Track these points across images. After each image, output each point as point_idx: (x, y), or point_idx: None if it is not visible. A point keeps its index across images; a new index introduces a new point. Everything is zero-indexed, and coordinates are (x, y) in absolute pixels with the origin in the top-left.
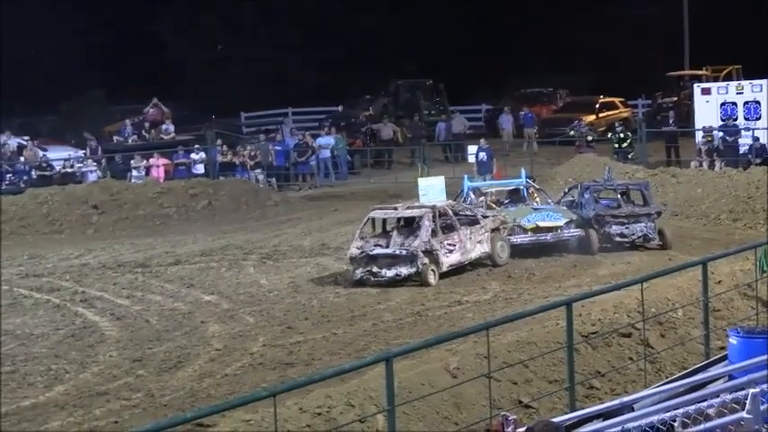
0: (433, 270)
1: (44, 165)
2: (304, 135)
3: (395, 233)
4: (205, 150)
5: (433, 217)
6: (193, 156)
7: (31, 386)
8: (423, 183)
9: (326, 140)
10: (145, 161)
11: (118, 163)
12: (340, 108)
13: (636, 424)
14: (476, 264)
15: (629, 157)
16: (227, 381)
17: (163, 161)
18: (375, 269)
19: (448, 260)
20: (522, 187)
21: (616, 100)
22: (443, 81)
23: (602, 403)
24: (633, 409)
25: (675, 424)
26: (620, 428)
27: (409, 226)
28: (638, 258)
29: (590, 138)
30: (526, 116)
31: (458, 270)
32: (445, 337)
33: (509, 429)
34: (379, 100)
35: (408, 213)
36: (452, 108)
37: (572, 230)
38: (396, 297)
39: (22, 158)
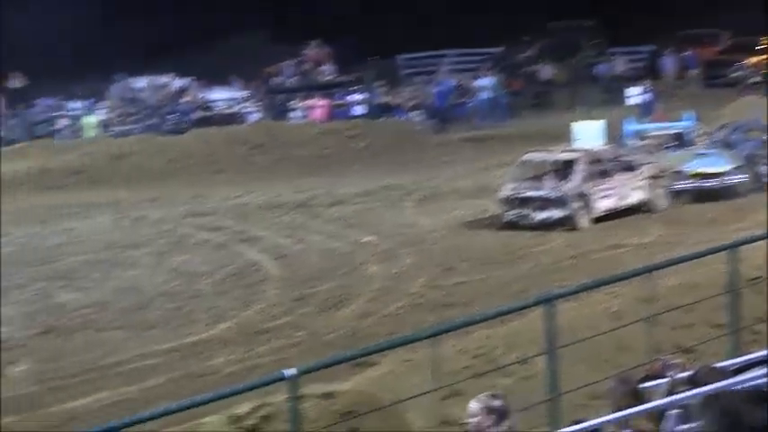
0: (584, 214)
1: (206, 105)
2: (463, 77)
3: (548, 176)
4: (365, 91)
5: (587, 161)
6: (353, 97)
7: (194, 323)
8: (579, 126)
9: (485, 82)
10: (305, 102)
11: (278, 103)
12: (498, 50)
13: None
14: (635, 209)
15: None
16: (386, 320)
17: (323, 102)
18: (526, 211)
19: (601, 205)
20: (685, 131)
21: None
22: (604, 22)
23: (767, 349)
24: None
25: None
26: None
27: (563, 169)
28: None
29: (754, 80)
30: (688, 58)
31: (616, 215)
32: (607, 280)
33: (670, 373)
34: (537, 42)
35: (562, 156)
36: (613, 50)
37: (737, 175)
38: (554, 240)
39: (184, 99)
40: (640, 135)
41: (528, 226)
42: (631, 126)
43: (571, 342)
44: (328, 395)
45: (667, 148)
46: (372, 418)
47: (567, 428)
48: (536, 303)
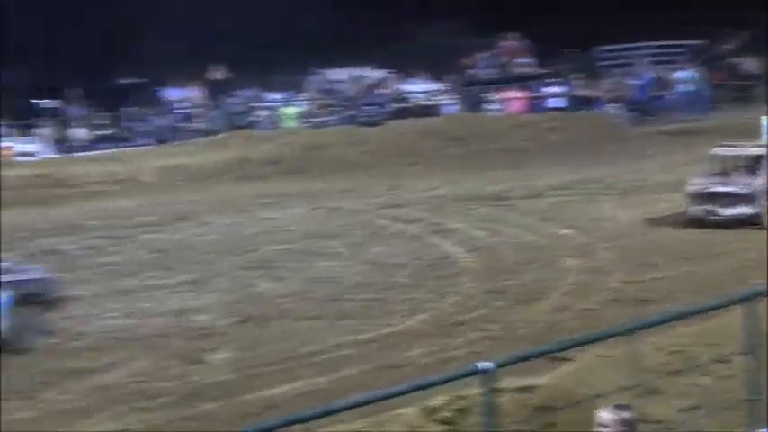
0: None
1: (402, 97)
2: (661, 69)
3: (737, 172)
4: (561, 84)
5: None
6: (550, 89)
7: (391, 314)
8: (766, 121)
9: (685, 75)
10: (501, 94)
11: (474, 96)
12: (698, 42)
13: None
14: None
15: None
16: (582, 315)
17: (519, 94)
18: (713, 207)
19: None
20: None
21: None
22: None
23: None
24: None
25: None
26: None
27: (752, 165)
28: None
29: None
30: None
31: None
32: None
33: None
34: (740, 33)
35: (752, 152)
36: None
37: None
38: (754, 237)
39: (382, 91)
40: None
41: (714, 223)
42: None
43: None
44: (524, 389)
45: None
46: (568, 413)
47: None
48: (739, 301)
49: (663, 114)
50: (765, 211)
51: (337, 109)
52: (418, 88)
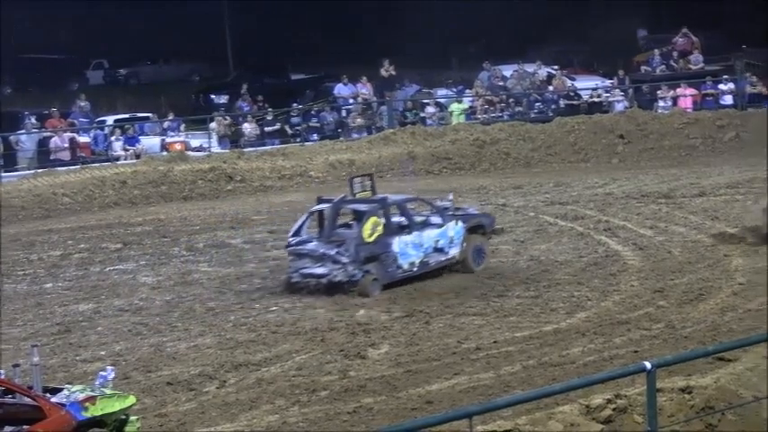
0: None
1: (572, 94)
2: None
3: None
4: (734, 81)
5: None
6: (722, 86)
7: (553, 312)
8: None
9: None
10: (672, 91)
11: (645, 93)
12: None
13: None
14: None
15: None
16: (749, 315)
17: (690, 91)
18: None
19: None
20: None
21: None
22: None
23: None
24: None
25: None
26: None
27: None
28: None
29: None
30: None
31: None
32: None
33: None
34: None
35: None
36: None
37: None
38: None
39: (550, 87)
40: None
41: None
42: None
43: None
44: (686, 389)
45: None
46: (731, 414)
47: None
48: None
49: None
50: None
51: (507, 105)
52: (588, 85)
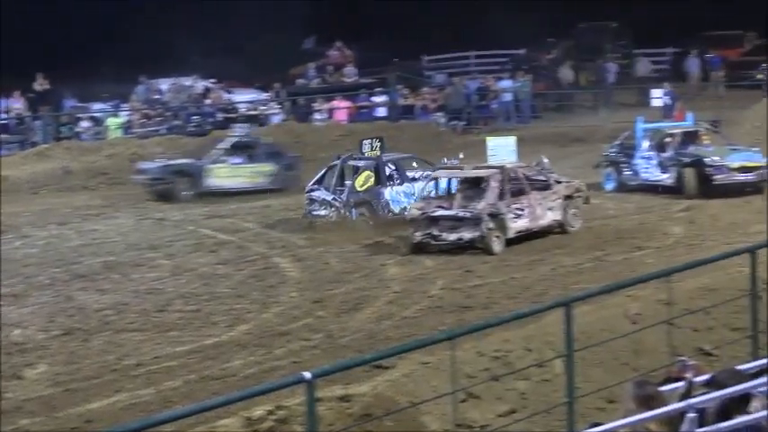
0: (497, 236)
1: (229, 107)
2: (486, 78)
3: (460, 194)
4: (387, 93)
5: (502, 179)
6: (375, 99)
7: (214, 325)
8: (492, 142)
9: (508, 83)
10: (327, 104)
11: (301, 105)
12: (522, 51)
13: None
14: (657, 209)
15: None
16: (405, 323)
17: (345, 104)
18: (436, 232)
19: (515, 226)
20: (696, 129)
21: None
22: (628, 23)
23: None
24: None
25: None
26: None
27: (475, 187)
28: None
29: None
30: (713, 59)
31: (639, 213)
32: (626, 283)
33: (688, 375)
34: (562, 43)
35: (475, 174)
36: (637, 51)
37: None
38: (574, 242)
39: (208, 101)
40: (651, 134)
41: (438, 248)
42: (642, 125)
43: (589, 345)
44: (345, 398)
45: (684, 144)
46: (389, 421)
47: (584, 431)
48: (554, 306)
49: (487, 123)
50: (491, 234)
51: (163, 119)
52: (245, 98)
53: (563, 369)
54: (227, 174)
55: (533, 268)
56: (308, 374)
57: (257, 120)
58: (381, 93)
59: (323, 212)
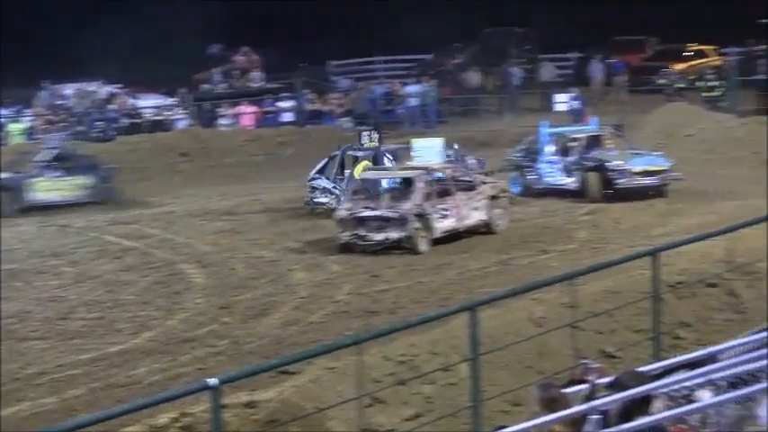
0: (424, 236)
1: (133, 112)
2: (393, 83)
3: (386, 195)
4: (293, 98)
5: (427, 180)
6: (281, 103)
7: (118, 332)
8: (418, 143)
9: (415, 88)
10: (233, 109)
11: (207, 110)
12: (428, 56)
13: (721, 375)
14: (561, 212)
15: (719, 105)
16: (311, 328)
17: (251, 109)
18: (363, 232)
19: (441, 226)
20: (600, 134)
21: (707, 47)
22: (533, 28)
23: (688, 353)
24: (719, 360)
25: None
26: (705, 379)
27: (402, 188)
28: (726, 208)
29: (680, 86)
30: (616, 64)
31: (544, 216)
32: (530, 287)
33: (591, 377)
34: (468, 48)
35: (401, 174)
36: (542, 56)
37: (672, 174)
38: (479, 245)
39: (113, 106)
40: (555, 139)
41: (363, 248)
42: (546, 130)
43: (494, 349)
44: (250, 404)
45: (588, 148)
46: (294, 426)
47: None
48: (460, 310)
49: (393, 127)
50: (417, 234)
51: (67, 124)
52: (149, 103)
53: (469, 373)
54: (47, 187)
55: (440, 272)
56: (213, 381)
57: (162, 125)
58: (288, 98)
59: (324, 200)
